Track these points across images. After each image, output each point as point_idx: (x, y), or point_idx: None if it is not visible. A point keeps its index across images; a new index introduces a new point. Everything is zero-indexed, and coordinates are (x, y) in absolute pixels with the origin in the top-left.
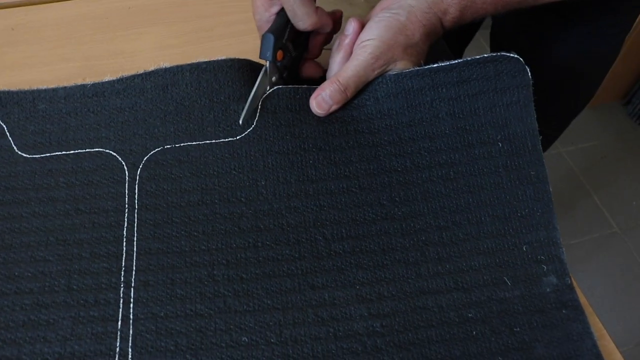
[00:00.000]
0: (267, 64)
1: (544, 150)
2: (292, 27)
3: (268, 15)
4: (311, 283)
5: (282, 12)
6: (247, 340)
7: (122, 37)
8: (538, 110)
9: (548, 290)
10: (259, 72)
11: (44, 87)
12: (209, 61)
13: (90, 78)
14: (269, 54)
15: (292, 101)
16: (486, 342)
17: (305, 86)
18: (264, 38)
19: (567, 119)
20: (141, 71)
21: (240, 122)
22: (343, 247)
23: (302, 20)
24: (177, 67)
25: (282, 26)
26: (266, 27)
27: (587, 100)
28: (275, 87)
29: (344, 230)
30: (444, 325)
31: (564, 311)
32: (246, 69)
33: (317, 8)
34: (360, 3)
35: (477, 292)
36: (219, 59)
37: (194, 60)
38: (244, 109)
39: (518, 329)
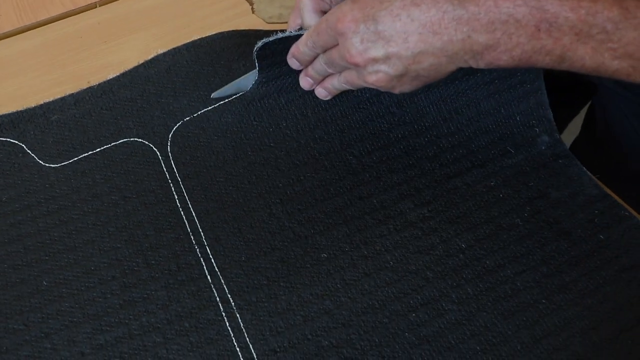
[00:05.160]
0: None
1: None
2: None
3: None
4: (358, 195)
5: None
6: (326, 255)
7: (104, 51)
8: None
9: (543, 147)
10: (250, 41)
11: (51, 99)
12: (203, 37)
13: None
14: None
15: (287, 46)
16: (512, 199)
17: (295, 33)
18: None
19: None
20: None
21: (212, 95)
22: (372, 159)
23: None
24: (174, 49)
25: None
26: None
27: None
28: (262, 41)
29: (368, 145)
30: (476, 196)
31: (560, 161)
32: (236, 36)
33: None
34: None
35: (491, 165)
36: (211, 34)
37: None
38: (223, 88)
39: (532, 183)
